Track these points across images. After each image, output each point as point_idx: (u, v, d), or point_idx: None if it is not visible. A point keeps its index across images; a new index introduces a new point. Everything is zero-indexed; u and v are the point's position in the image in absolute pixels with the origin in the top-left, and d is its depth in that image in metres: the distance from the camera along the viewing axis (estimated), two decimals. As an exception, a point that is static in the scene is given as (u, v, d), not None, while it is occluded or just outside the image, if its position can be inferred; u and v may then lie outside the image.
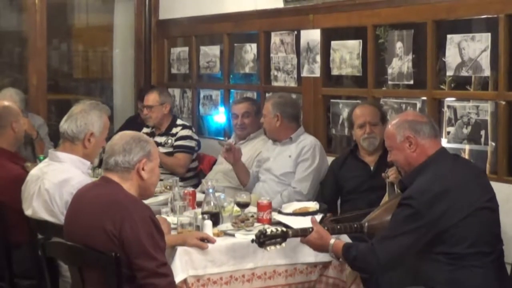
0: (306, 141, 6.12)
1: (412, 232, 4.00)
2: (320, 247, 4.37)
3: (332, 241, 4.31)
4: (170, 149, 7.19)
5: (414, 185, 4.12)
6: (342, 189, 5.69)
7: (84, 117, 4.64)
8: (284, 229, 4.27)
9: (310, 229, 4.36)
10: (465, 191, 4.08)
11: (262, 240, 4.19)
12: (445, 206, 3.98)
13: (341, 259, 4.32)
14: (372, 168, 5.60)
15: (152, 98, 7.34)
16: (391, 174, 5.03)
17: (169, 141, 7.24)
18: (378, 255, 4.05)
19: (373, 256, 4.07)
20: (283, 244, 4.26)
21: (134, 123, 7.80)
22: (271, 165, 6.17)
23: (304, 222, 4.77)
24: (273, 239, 4.20)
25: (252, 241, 4.24)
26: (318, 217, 4.86)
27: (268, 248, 4.22)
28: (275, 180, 6.09)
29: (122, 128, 7.76)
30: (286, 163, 6.09)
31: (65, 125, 4.65)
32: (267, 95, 7.18)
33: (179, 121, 7.41)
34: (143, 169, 3.90)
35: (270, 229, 4.22)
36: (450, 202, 3.99)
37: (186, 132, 7.27)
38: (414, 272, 4.19)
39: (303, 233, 4.37)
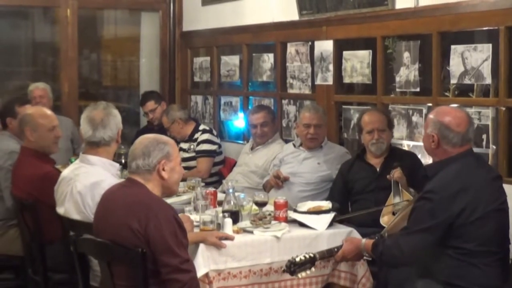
0: (339, 150, 6.26)
1: (431, 228, 3.98)
2: (354, 251, 4.42)
3: (363, 240, 4.39)
4: (193, 154, 7.24)
5: (437, 178, 4.08)
6: (351, 190, 5.71)
7: (113, 120, 4.60)
8: (312, 254, 4.28)
9: (335, 249, 4.42)
10: (484, 191, 4.03)
11: (293, 269, 4.22)
12: (464, 203, 3.94)
13: (368, 256, 4.41)
14: (378, 169, 5.62)
15: (164, 120, 7.50)
16: (395, 174, 5.15)
17: (192, 146, 7.29)
18: (402, 248, 4.07)
19: (398, 250, 4.09)
20: (313, 269, 4.31)
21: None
22: (296, 170, 6.17)
23: (317, 220, 4.83)
24: (302, 266, 4.23)
25: (284, 270, 4.30)
26: (331, 216, 4.89)
27: (299, 275, 4.26)
28: (299, 184, 6.12)
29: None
30: (314, 169, 6.13)
31: (98, 134, 4.57)
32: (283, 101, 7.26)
33: (201, 127, 7.47)
34: (163, 169, 3.90)
35: (298, 257, 4.23)
36: (468, 200, 3.95)
37: (205, 136, 7.33)
38: (422, 265, 4.17)
39: (329, 254, 4.43)
